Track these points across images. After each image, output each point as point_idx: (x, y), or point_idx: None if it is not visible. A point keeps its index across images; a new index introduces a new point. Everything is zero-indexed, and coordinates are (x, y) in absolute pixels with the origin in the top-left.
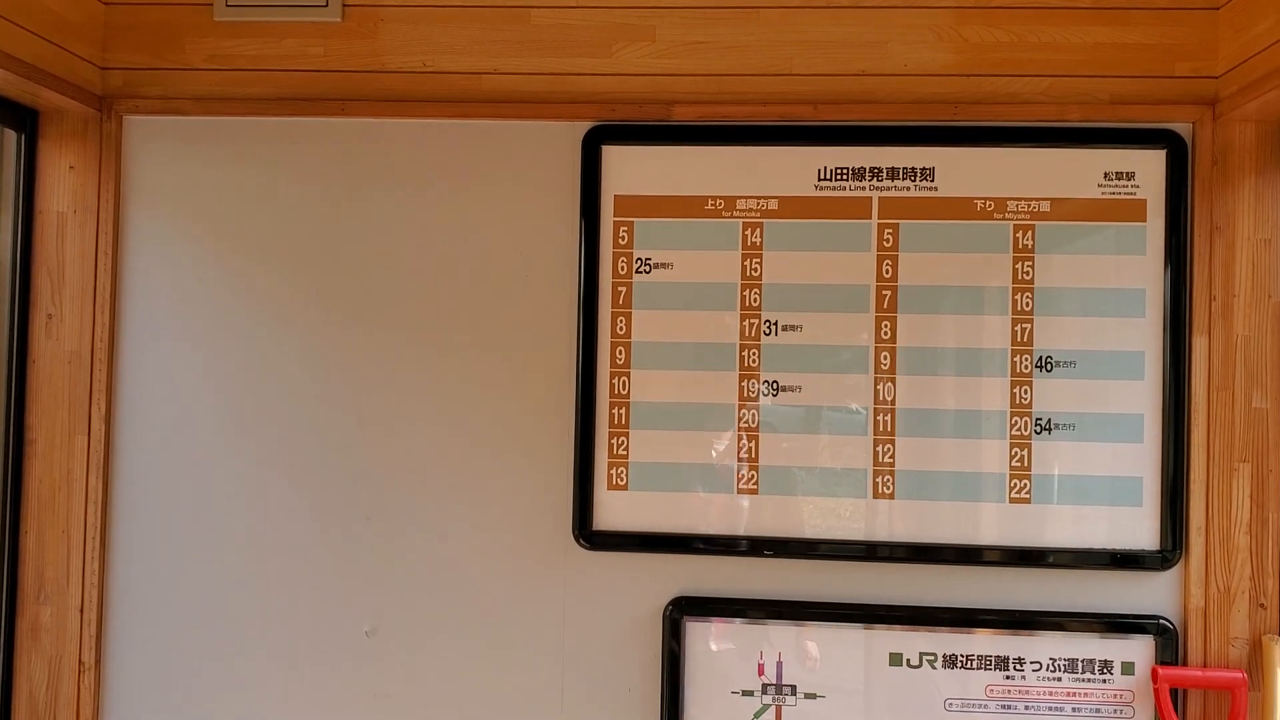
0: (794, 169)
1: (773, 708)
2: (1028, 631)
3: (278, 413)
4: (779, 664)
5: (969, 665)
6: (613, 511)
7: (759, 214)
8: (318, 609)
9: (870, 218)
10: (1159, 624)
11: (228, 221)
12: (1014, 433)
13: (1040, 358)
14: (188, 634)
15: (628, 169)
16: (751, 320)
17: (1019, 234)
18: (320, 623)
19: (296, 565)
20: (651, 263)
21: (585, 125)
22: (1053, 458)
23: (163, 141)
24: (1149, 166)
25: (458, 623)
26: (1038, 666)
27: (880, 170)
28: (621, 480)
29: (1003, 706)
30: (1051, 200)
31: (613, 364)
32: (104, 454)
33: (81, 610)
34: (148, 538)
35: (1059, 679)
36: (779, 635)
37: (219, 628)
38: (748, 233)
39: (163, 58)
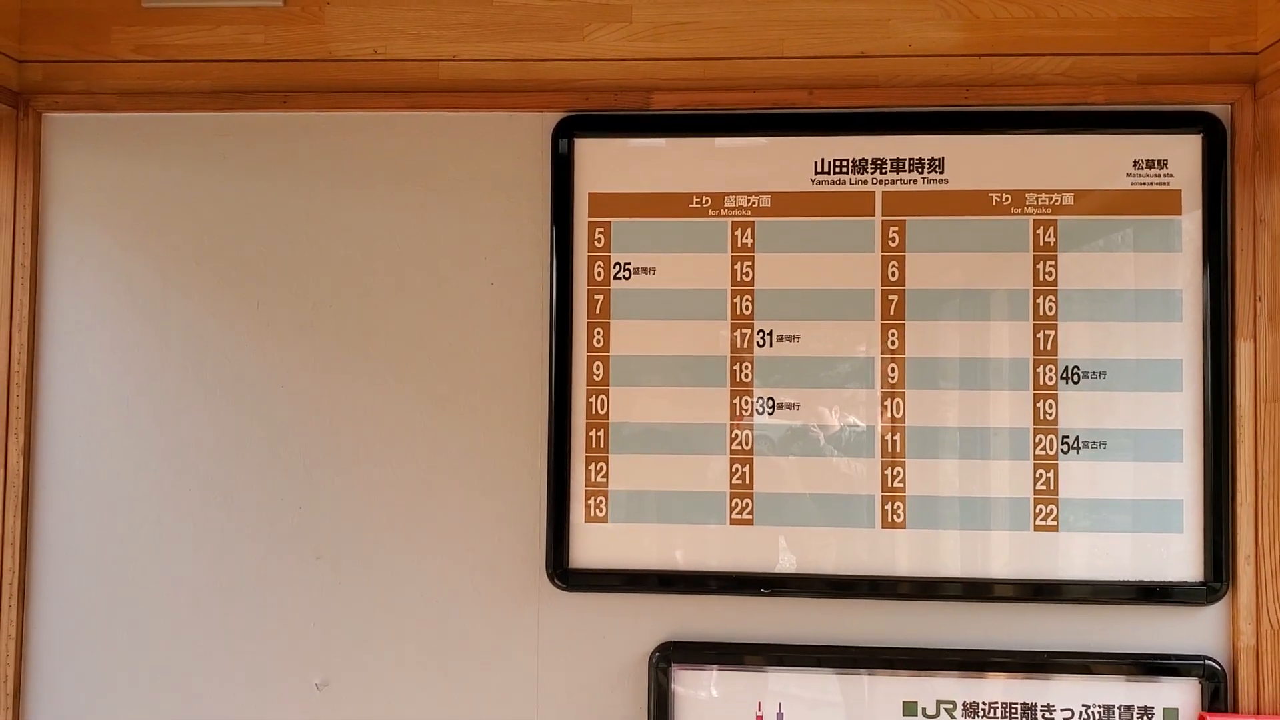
0: (788, 162)
1: None
2: (1053, 676)
3: (217, 440)
4: (779, 715)
5: (991, 714)
6: (591, 547)
7: (750, 212)
8: (262, 658)
9: (873, 215)
10: (1205, 665)
11: (159, 228)
12: (1038, 453)
13: (1066, 368)
14: (116, 688)
15: (603, 164)
16: (743, 330)
17: (1039, 230)
18: (265, 673)
19: (239, 611)
20: (631, 267)
21: (555, 116)
22: (1082, 480)
23: (86, 140)
24: (1183, 153)
25: (417, 673)
26: (1069, 714)
27: (884, 162)
28: (601, 511)
29: None
30: (1075, 192)
31: (589, 381)
32: (22, 490)
33: None
34: (72, 583)
35: None
36: (779, 683)
37: (150, 679)
38: (737, 233)
39: (86, 49)
